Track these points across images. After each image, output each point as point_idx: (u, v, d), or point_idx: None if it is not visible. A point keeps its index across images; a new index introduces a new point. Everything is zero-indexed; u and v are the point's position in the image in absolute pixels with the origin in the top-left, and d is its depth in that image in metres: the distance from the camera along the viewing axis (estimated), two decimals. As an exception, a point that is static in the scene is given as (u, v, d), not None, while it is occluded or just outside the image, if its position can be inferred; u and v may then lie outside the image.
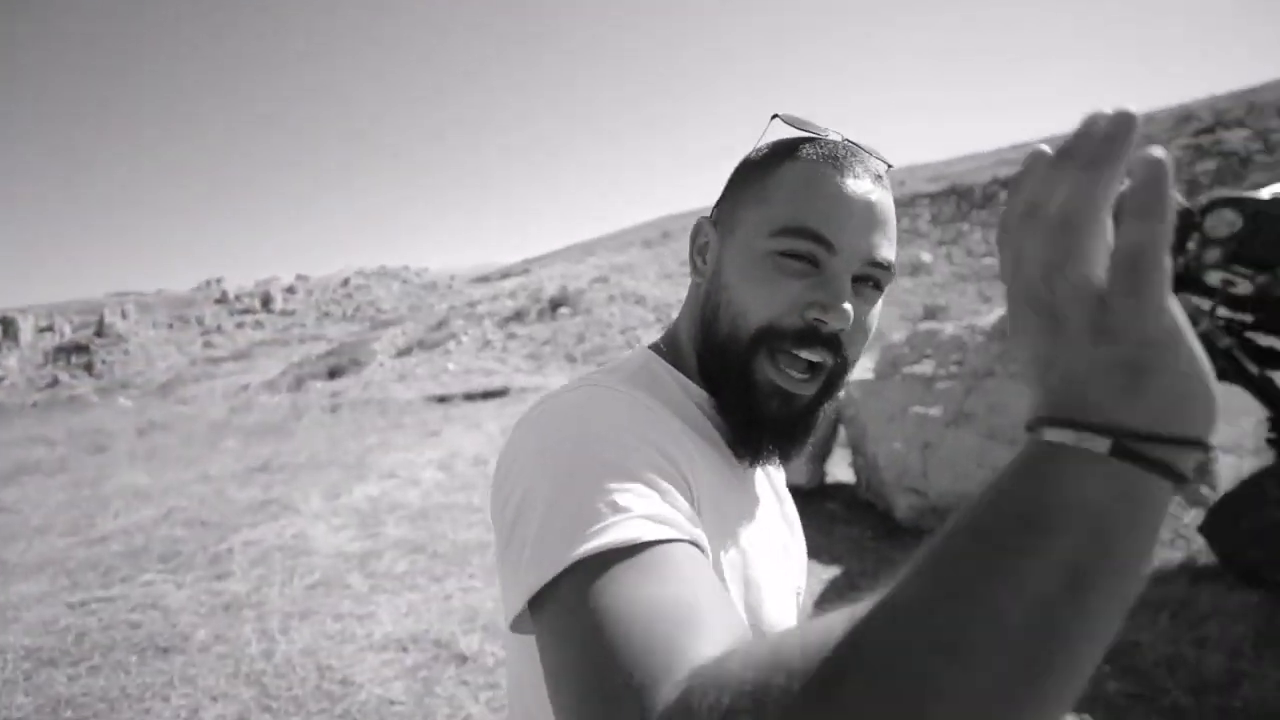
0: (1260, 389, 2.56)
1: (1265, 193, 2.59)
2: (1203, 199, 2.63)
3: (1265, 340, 2.68)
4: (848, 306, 0.52)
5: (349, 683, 2.30)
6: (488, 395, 9.16)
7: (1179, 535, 2.84)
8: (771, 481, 0.66)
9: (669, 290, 15.52)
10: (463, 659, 2.40)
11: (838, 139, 0.58)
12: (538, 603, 0.39)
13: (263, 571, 3.36)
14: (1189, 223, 2.48)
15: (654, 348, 0.63)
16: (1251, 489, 2.36)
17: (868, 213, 0.54)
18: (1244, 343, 2.62)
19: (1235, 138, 14.07)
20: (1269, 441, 2.64)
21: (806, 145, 0.57)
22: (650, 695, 0.30)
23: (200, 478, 5.48)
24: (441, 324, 15.82)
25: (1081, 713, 1.88)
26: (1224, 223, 2.52)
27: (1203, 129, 15.81)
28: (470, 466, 5.24)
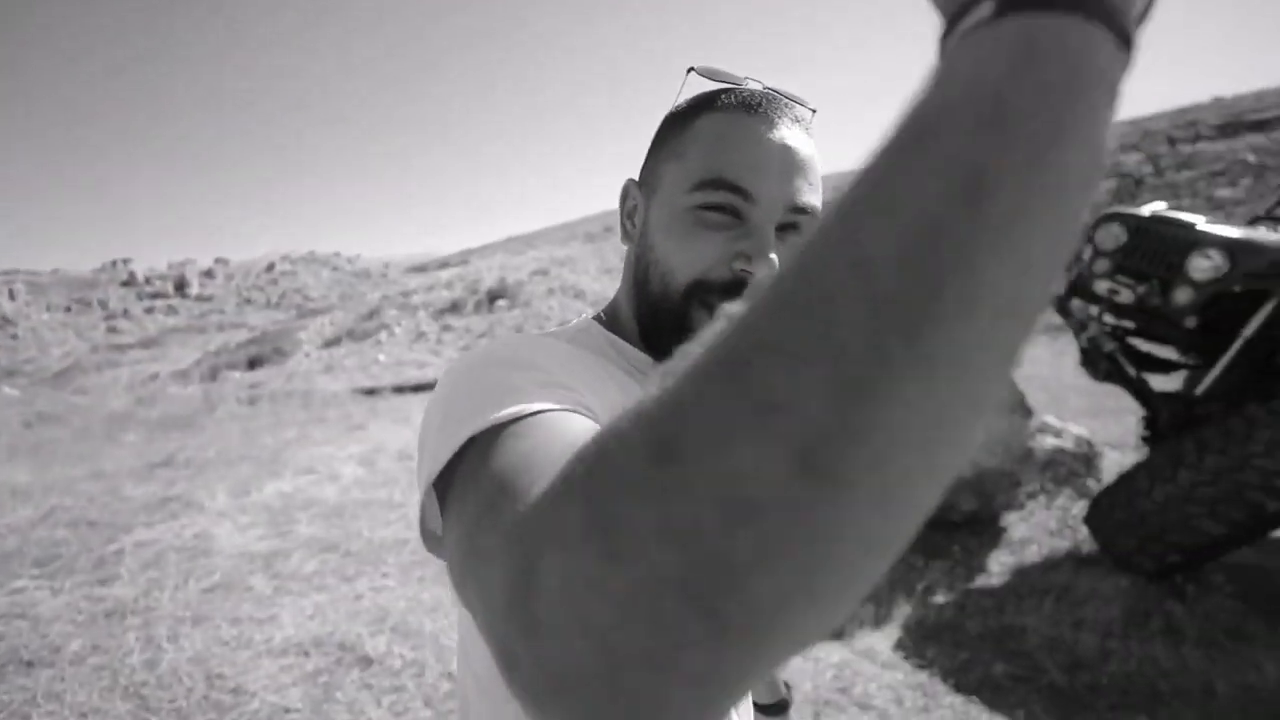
0: (1138, 390, 2.78)
1: (1146, 210, 2.81)
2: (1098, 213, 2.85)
3: (1144, 346, 2.93)
4: (773, 256, 0.52)
5: (241, 691, 2.16)
6: (418, 388, 8.85)
7: (1066, 525, 3.05)
8: None
9: (609, 284, 15.48)
10: (368, 662, 2.30)
11: (757, 87, 0.57)
12: (443, 499, 0.39)
13: (155, 575, 3.12)
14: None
15: (595, 318, 0.63)
16: (1127, 482, 2.55)
17: (786, 159, 0.53)
18: (1126, 347, 2.85)
19: (1131, 160, 15.32)
20: (1143, 439, 2.88)
21: (722, 95, 0.56)
22: (509, 511, 0.28)
23: (92, 474, 5.04)
24: (373, 314, 15.19)
25: (969, 695, 1.99)
26: (1111, 236, 2.72)
27: (1105, 150, 17.08)
28: (394, 462, 5.04)
